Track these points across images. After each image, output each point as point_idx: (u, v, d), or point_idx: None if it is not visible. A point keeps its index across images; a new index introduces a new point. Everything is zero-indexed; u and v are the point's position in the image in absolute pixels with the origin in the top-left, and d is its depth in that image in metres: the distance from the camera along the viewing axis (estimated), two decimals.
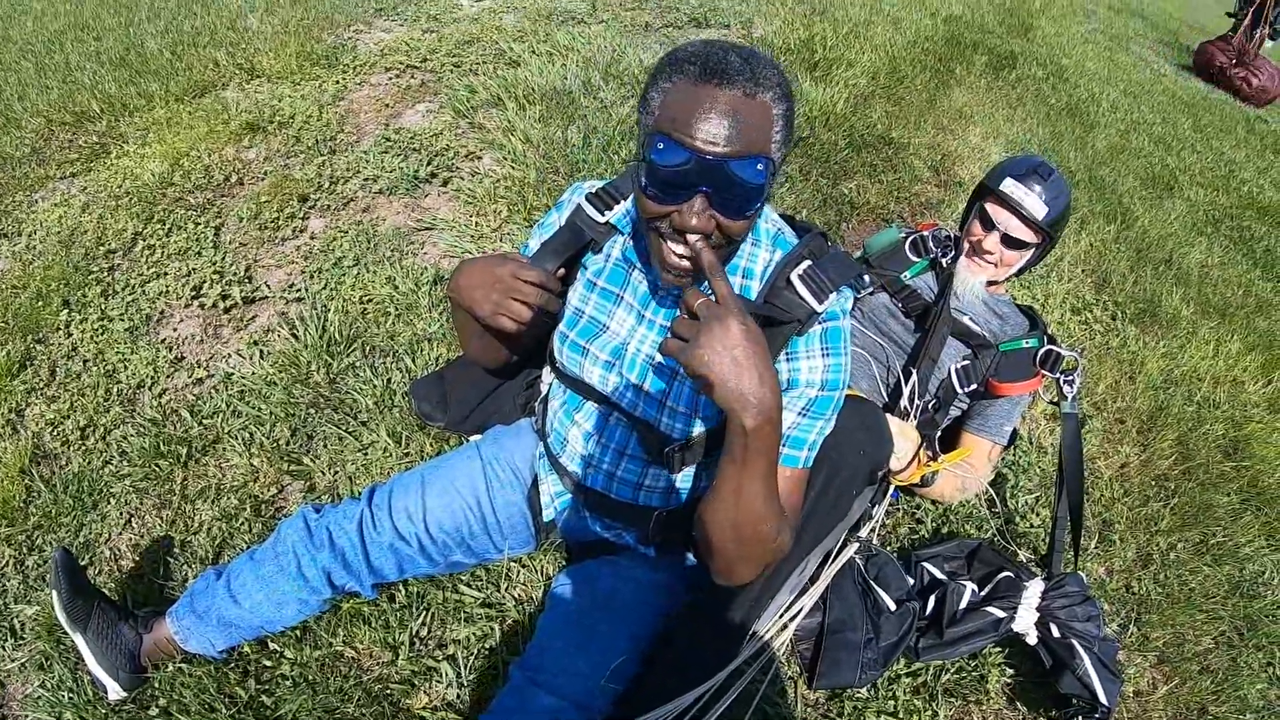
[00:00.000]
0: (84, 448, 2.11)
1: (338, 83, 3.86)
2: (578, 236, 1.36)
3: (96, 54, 4.55)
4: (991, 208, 1.96)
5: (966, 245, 2.03)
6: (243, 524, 1.87)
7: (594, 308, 1.36)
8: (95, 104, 3.80)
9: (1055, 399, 2.03)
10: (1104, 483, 2.43)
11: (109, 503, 1.95)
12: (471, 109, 3.54)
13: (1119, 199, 4.55)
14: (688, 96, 1.04)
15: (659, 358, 1.28)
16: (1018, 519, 2.20)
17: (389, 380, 2.17)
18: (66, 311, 2.52)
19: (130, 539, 1.88)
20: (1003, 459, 2.29)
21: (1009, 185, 1.91)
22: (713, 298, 1.01)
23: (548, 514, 1.54)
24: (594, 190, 1.40)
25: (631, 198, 1.36)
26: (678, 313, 1.09)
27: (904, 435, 1.86)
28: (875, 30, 5.90)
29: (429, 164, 3.17)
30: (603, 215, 1.37)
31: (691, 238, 1.08)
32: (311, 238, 2.83)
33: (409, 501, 1.52)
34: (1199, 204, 5.06)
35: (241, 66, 4.14)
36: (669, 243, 1.12)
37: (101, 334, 2.44)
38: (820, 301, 1.23)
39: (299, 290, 2.58)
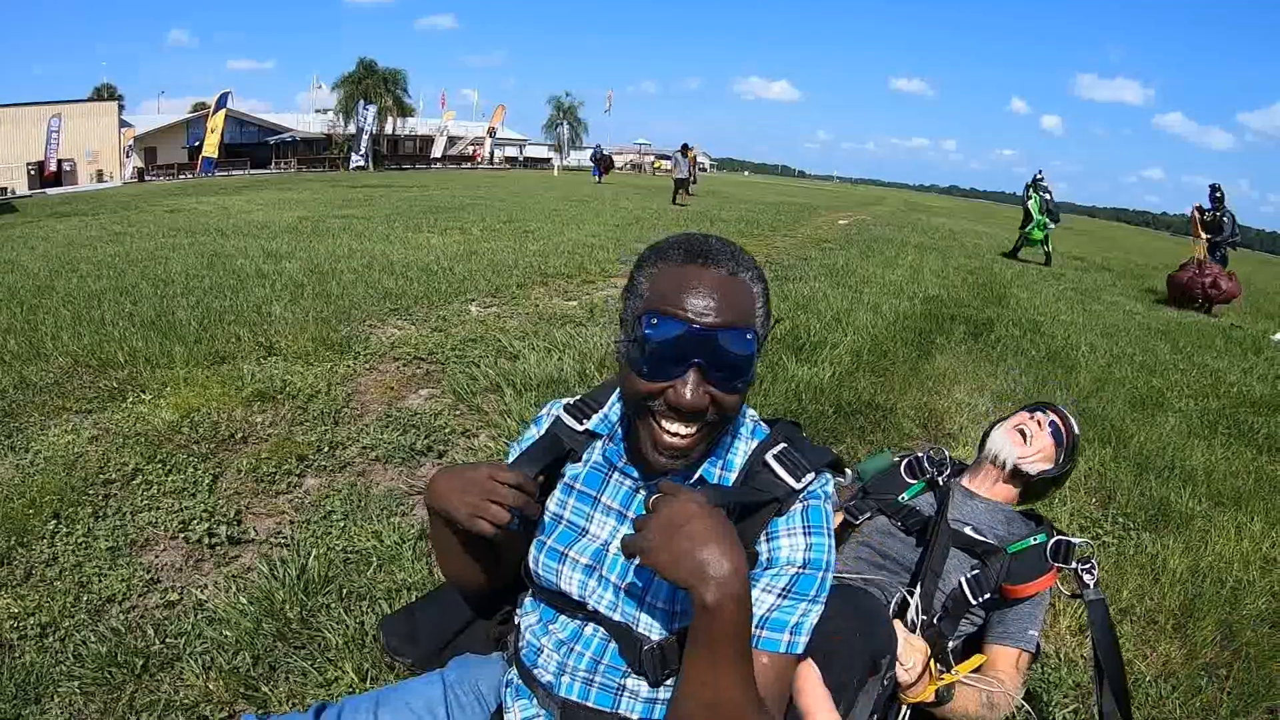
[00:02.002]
0: (41, 644, 2.12)
1: (348, 366, 4.27)
2: (556, 445, 1.39)
3: (130, 315, 5.00)
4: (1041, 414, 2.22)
5: (1010, 421, 2.21)
6: None
7: (571, 512, 1.36)
8: (121, 355, 4.14)
9: (1076, 591, 1.95)
10: (1147, 683, 2.35)
11: (53, 699, 1.94)
12: (471, 394, 3.92)
13: (1110, 423, 4.72)
14: (676, 276, 1.12)
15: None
16: None
17: (362, 622, 2.24)
18: (55, 523, 2.62)
19: None
20: (1031, 671, 2.17)
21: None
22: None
23: None
24: (571, 401, 1.45)
25: (609, 404, 1.41)
26: None
27: (910, 645, 1.77)
28: (857, 316, 6.57)
29: (426, 438, 3.46)
30: (581, 424, 1.40)
31: (679, 430, 1.14)
32: (305, 493, 3.02)
33: (356, 718, 1.40)
34: (1190, 413, 5.25)
35: (261, 344, 4.56)
36: (663, 422, 1.15)
37: (84, 549, 2.53)
38: (797, 480, 1.24)
39: (285, 538, 2.71)
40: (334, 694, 1.99)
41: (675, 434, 1.15)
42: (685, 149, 23.68)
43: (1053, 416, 2.18)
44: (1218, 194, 12.42)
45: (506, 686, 1.48)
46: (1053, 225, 14.87)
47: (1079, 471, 3.86)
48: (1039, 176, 15.26)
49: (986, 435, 2.24)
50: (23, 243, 9.27)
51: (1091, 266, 16.88)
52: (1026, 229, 15.00)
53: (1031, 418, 2.18)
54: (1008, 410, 2.42)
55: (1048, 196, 14.86)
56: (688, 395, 1.10)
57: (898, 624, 1.76)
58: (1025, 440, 2.14)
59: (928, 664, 1.77)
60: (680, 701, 1.13)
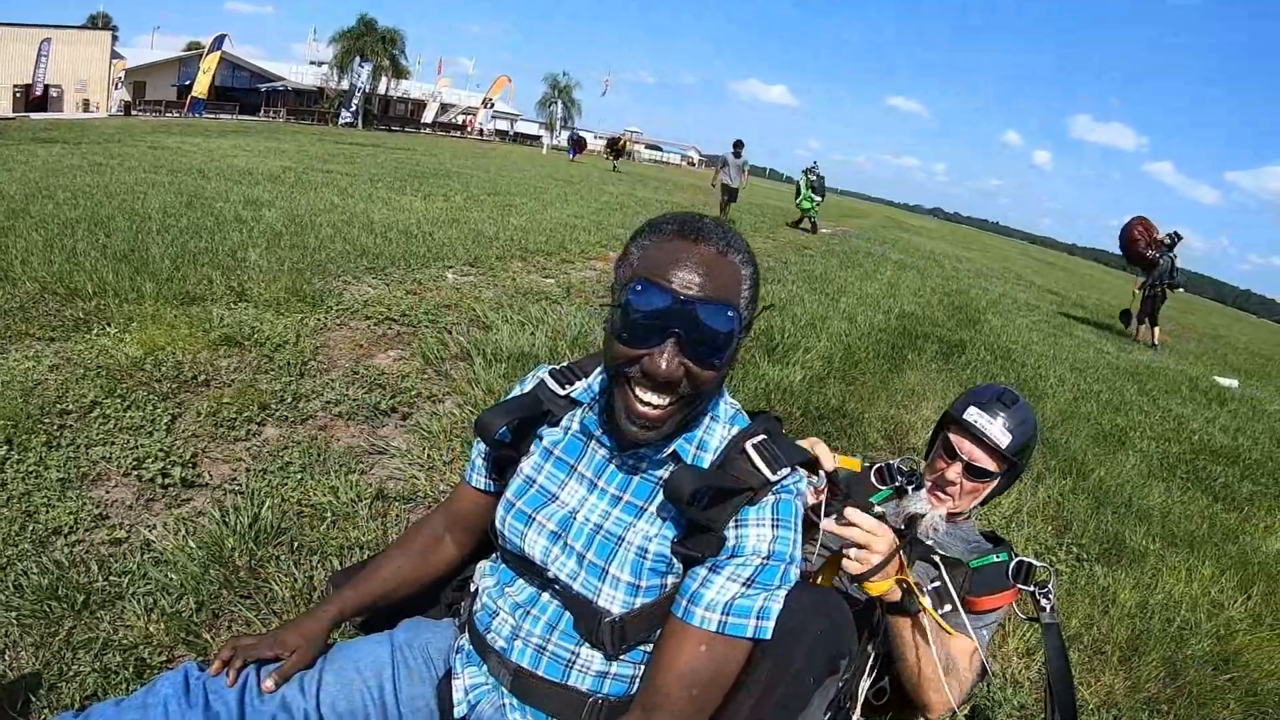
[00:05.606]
0: None
1: (319, 319, 4.22)
2: (534, 405, 1.42)
3: (103, 247, 4.91)
4: (955, 438, 1.96)
5: (929, 480, 1.99)
6: (121, 682, 1.82)
7: (545, 477, 1.38)
8: (90, 285, 4.05)
9: (1032, 614, 1.90)
10: (1090, 710, 2.39)
11: None
12: (441, 359, 3.91)
13: (1073, 456, 4.81)
14: (665, 249, 1.16)
15: (607, 527, 1.29)
16: None
17: (311, 577, 2.21)
18: (6, 449, 2.56)
19: None
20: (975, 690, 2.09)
21: (972, 414, 1.93)
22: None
23: (459, 710, 1.39)
24: (557, 368, 1.49)
25: (594, 374, 1.42)
26: (631, 480, 1.22)
27: (875, 528, 1.60)
28: (831, 324, 6.66)
29: (392, 398, 3.43)
30: (564, 389, 1.43)
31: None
32: (264, 442, 2.97)
33: (303, 673, 1.37)
34: (1151, 454, 5.37)
35: (233, 289, 4.49)
36: (638, 390, 1.17)
37: (34, 478, 2.47)
38: (773, 472, 1.26)
39: (239, 485, 2.67)
40: None
41: (648, 404, 1.17)
42: (739, 147, 17.86)
43: (965, 447, 1.96)
44: (1174, 238, 13.35)
45: (457, 653, 1.48)
46: (819, 199, 18.90)
47: (1038, 499, 3.93)
48: (813, 165, 19.26)
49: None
50: (0, 165, 9.05)
51: (1066, 302, 17.23)
52: (798, 201, 18.84)
53: (950, 466, 1.98)
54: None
55: (814, 179, 18.76)
56: (663, 365, 1.12)
57: (860, 513, 1.61)
58: (941, 498, 2.00)
59: (893, 555, 1.60)
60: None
